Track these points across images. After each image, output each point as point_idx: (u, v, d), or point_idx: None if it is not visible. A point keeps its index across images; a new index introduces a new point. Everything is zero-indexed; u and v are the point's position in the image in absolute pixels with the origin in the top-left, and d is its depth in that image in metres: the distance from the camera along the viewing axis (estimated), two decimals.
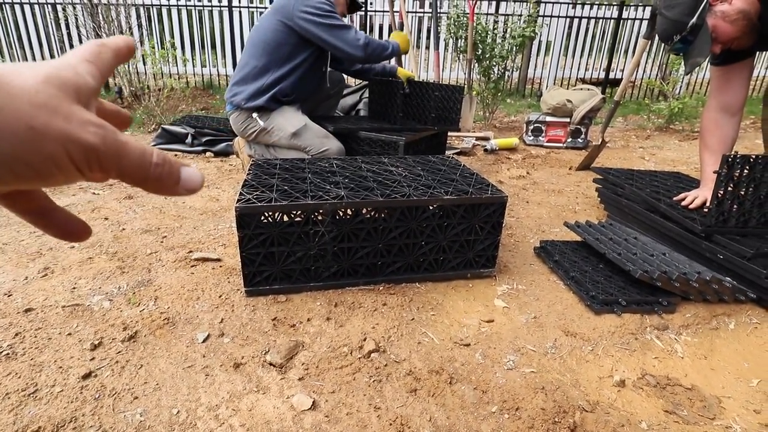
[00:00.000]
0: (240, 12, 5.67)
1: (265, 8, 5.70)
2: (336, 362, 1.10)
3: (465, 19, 3.98)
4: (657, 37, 1.76)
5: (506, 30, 4.35)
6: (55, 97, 0.22)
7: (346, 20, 2.20)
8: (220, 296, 1.35)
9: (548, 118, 3.48)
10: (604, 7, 6.24)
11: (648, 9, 6.26)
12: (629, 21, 6.29)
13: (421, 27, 6.20)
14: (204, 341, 1.16)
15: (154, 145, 3.07)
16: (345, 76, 2.72)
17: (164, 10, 5.58)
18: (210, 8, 5.66)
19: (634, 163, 3.13)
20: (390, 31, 4.78)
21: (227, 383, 1.02)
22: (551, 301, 1.40)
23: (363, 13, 5.74)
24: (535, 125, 3.53)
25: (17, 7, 5.30)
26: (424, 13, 6.15)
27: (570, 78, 6.40)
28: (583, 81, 6.36)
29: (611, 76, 6.26)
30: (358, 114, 3.31)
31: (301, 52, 2.16)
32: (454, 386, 1.04)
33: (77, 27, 4.77)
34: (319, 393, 1.00)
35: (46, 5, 5.30)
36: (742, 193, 1.47)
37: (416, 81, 2.52)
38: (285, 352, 1.11)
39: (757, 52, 1.75)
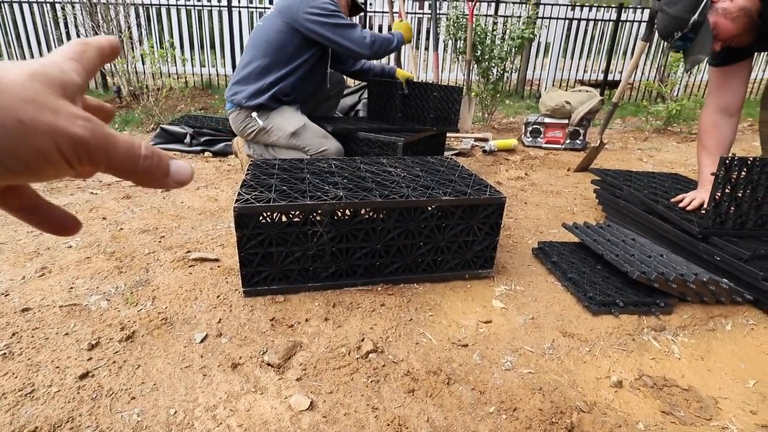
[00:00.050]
0: (239, 12, 5.67)
1: (264, 8, 5.70)
2: (334, 363, 1.10)
3: (464, 20, 3.99)
4: (657, 35, 1.76)
5: (505, 31, 4.36)
6: (42, 93, 0.22)
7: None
8: (218, 296, 1.35)
9: (547, 120, 3.49)
10: (602, 9, 6.26)
11: (646, 11, 6.28)
12: (628, 23, 6.31)
13: (421, 28, 6.20)
14: (202, 341, 1.15)
15: (153, 145, 3.07)
16: (345, 77, 2.73)
17: (163, 10, 5.57)
18: (209, 8, 5.66)
19: (632, 165, 3.14)
20: (389, 32, 4.79)
21: (225, 383, 1.02)
22: (549, 302, 1.41)
23: (362, 14, 5.74)
24: (534, 126, 3.54)
25: (16, 6, 5.29)
26: (423, 14, 6.16)
27: (569, 79, 6.41)
28: (582, 83, 6.37)
29: (610, 77, 6.28)
30: (357, 114, 3.32)
31: (303, 52, 2.17)
32: (452, 387, 1.04)
33: (76, 26, 4.77)
34: (317, 393, 1.00)
35: (45, 4, 5.29)
36: (740, 195, 1.47)
37: (415, 82, 2.53)
38: (283, 353, 1.11)
39: (755, 55, 1.76)
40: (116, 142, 0.24)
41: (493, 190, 1.44)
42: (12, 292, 1.33)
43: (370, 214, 1.39)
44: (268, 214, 1.28)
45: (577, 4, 6.13)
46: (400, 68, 2.77)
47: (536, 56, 6.45)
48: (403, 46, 2.45)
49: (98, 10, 4.16)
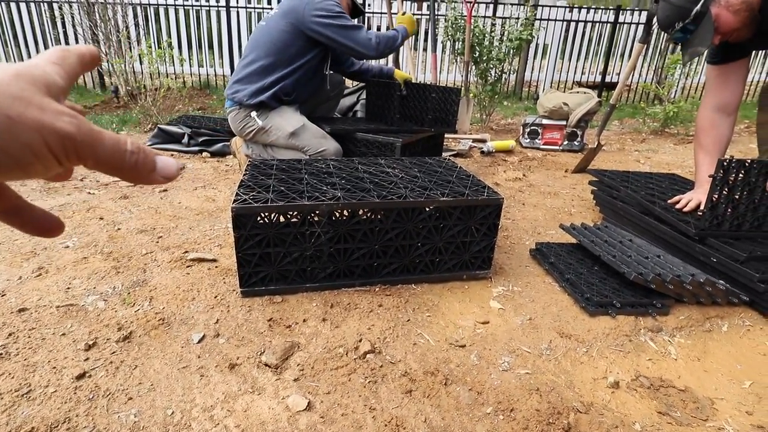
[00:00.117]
0: (238, 12, 5.66)
1: (263, 8, 5.70)
2: (331, 363, 1.10)
3: (462, 21, 4.00)
4: (656, 26, 1.75)
5: (503, 33, 4.37)
6: (27, 90, 0.23)
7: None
8: (215, 297, 1.35)
9: (545, 121, 3.50)
10: (600, 11, 6.28)
11: (644, 13, 6.30)
12: (625, 25, 6.33)
13: (419, 29, 6.21)
14: (199, 342, 1.15)
15: (150, 145, 3.07)
16: (344, 79, 2.73)
17: (161, 10, 5.57)
18: (207, 8, 5.66)
19: (630, 166, 3.15)
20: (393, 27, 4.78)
21: (222, 384, 1.02)
22: (546, 302, 1.41)
23: (362, 15, 5.75)
24: (532, 128, 3.54)
25: (13, 5, 5.27)
26: (422, 15, 6.16)
27: (567, 81, 6.43)
28: (580, 84, 6.39)
29: (607, 79, 6.30)
30: (355, 115, 3.32)
31: (306, 53, 2.19)
32: (450, 387, 1.04)
33: (73, 26, 4.76)
34: (315, 394, 1.00)
35: (42, 3, 5.27)
36: (737, 197, 1.48)
37: (413, 83, 2.53)
38: (280, 353, 1.11)
39: (752, 56, 1.77)
40: (102, 138, 0.25)
41: (490, 191, 1.45)
42: (8, 293, 1.33)
43: (368, 214, 1.39)
44: (266, 214, 1.28)
45: (575, 5, 6.15)
46: (399, 69, 2.77)
47: (534, 58, 6.47)
48: (401, 47, 2.45)
49: (96, 9, 4.15)
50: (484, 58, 4.05)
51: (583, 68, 6.56)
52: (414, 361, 1.12)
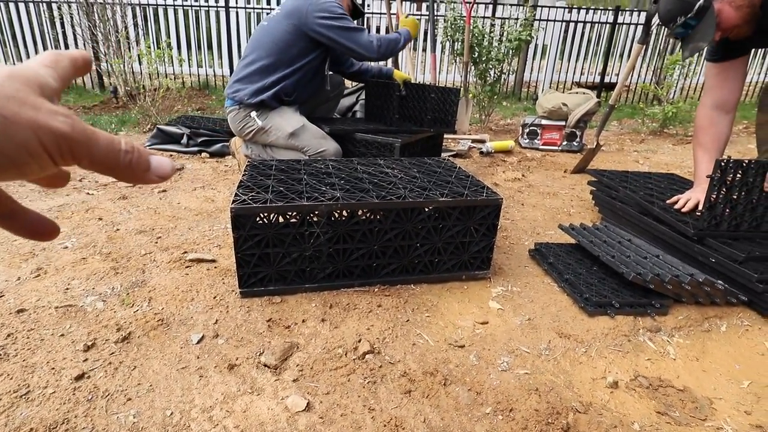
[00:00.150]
0: (237, 13, 5.66)
1: (262, 9, 5.70)
2: (331, 363, 1.10)
3: (462, 22, 4.00)
4: (656, 24, 1.74)
5: (503, 33, 4.37)
6: (21, 90, 0.23)
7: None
8: (214, 297, 1.35)
9: (544, 122, 3.50)
10: (599, 11, 6.29)
11: (643, 14, 6.31)
12: (624, 26, 6.34)
13: (418, 30, 6.21)
14: (198, 342, 1.15)
15: (149, 145, 3.06)
16: (344, 80, 2.74)
17: (160, 10, 5.56)
18: (207, 8, 5.65)
19: (629, 167, 3.15)
20: (387, 33, 4.80)
21: (221, 384, 1.02)
22: (545, 303, 1.41)
23: (363, 17, 5.75)
24: (531, 128, 3.55)
25: (11, 5, 5.27)
26: (421, 15, 6.16)
27: (566, 81, 6.44)
28: (579, 85, 6.40)
29: (606, 80, 6.31)
30: (354, 116, 3.32)
31: (308, 54, 2.20)
32: (449, 387, 1.04)
33: (72, 26, 4.75)
34: (314, 394, 1.00)
35: (41, 3, 5.27)
36: (735, 197, 1.48)
37: (412, 83, 2.53)
38: (279, 354, 1.11)
39: (751, 56, 1.77)
40: (97, 137, 0.25)
41: (490, 192, 1.45)
42: (7, 293, 1.33)
43: (367, 215, 1.40)
44: (265, 215, 1.28)
45: (575, 6, 6.16)
46: (398, 69, 2.77)
47: (533, 58, 6.47)
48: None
49: (95, 9, 4.15)
50: (483, 59, 4.05)
51: (582, 69, 6.57)
52: (413, 362, 1.12)
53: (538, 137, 3.55)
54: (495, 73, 4.17)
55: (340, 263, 1.39)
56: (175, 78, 5.19)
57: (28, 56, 5.49)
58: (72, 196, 2.14)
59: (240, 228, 1.25)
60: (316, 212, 1.30)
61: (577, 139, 3.51)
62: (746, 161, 1.44)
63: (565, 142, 3.52)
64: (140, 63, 4.49)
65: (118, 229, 1.79)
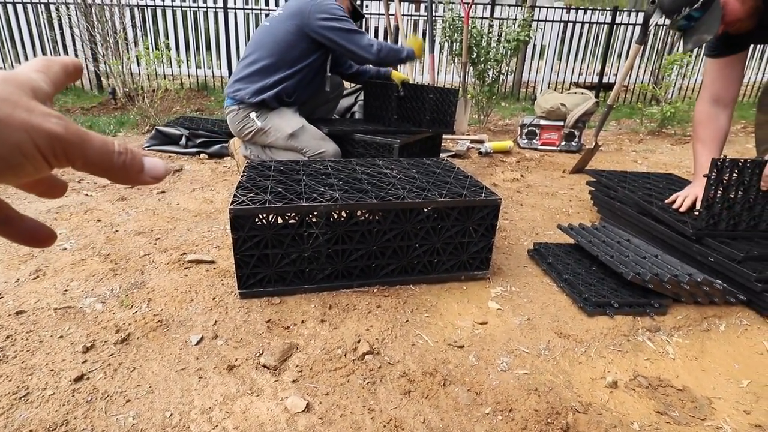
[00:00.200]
0: (235, 14, 5.66)
1: (260, 10, 5.70)
2: (330, 364, 1.10)
3: (460, 22, 4.00)
4: (660, 12, 1.71)
5: (501, 34, 4.37)
6: (14, 93, 0.23)
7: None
8: (213, 298, 1.35)
9: (542, 122, 3.50)
10: (597, 12, 6.30)
11: (641, 14, 6.32)
12: (622, 26, 6.35)
13: (417, 30, 6.22)
14: (197, 343, 1.15)
15: (148, 146, 3.06)
16: (343, 81, 2.74)
17: (159, 11, 5.56)
18: (205, 9, 5.65)
19: (627, 167, 3.16)
20: (385, 33, 4.80)
21: (221, 386, 1.02)
22: (544, 303, 1.41)
23: (363, 19, 5.76)
24: (530, 128, 3.55)
25: (9, 7, 5.26)
26: (419, 16, 6.18)
27: (564, 82, 6.44)
28: (577, 85, 6.41)
29: (605, 80, 6.32)
30: (353, 116, 3.32)
31: (310, 55, 2.21)
32: (448, 388, 1.04)
33: (71, 27, 4.75)
34: (313, 395, 1.00)
35: (39, 5, 5.26)
36: (732, 196, 1.48)
37: (411, 84, 2.53)
38: (279, 354, 1.11)
39: (749, 54, 1.77)
40: (90, 139, 0.25)
41: (488, 192, 1.45)
42: (6, 295, 1.33)
43: (366, 215, 1.40)
44: (264, 215, 1.28)
45: (573, 6, 6.17)
46: (396, 70, 2.77)
47: (532, 59, 6.48)
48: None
49: (93, 10, 4.14)
50: (482, 59, 4.06)
51: (581, 69, 6.58)
52: (412, 362, 1.12)
53: (537, 137, 3.56)
54: (493, 73, 4.18)
55: (339, 264, 1.39)
56: (173, 79, 5.19)
57: (26, 58, 5.48)
58: (71, 198, 2.14)
59: (239, 229, 1.25)
60: (315, 213, 1.30)
61: (576, 140, 3.51)
62: (742, 161, 1.44)
63: (563, 143, 3.53)
64: (138, 64, 4.47)
65: (117, 231, 1.79)
